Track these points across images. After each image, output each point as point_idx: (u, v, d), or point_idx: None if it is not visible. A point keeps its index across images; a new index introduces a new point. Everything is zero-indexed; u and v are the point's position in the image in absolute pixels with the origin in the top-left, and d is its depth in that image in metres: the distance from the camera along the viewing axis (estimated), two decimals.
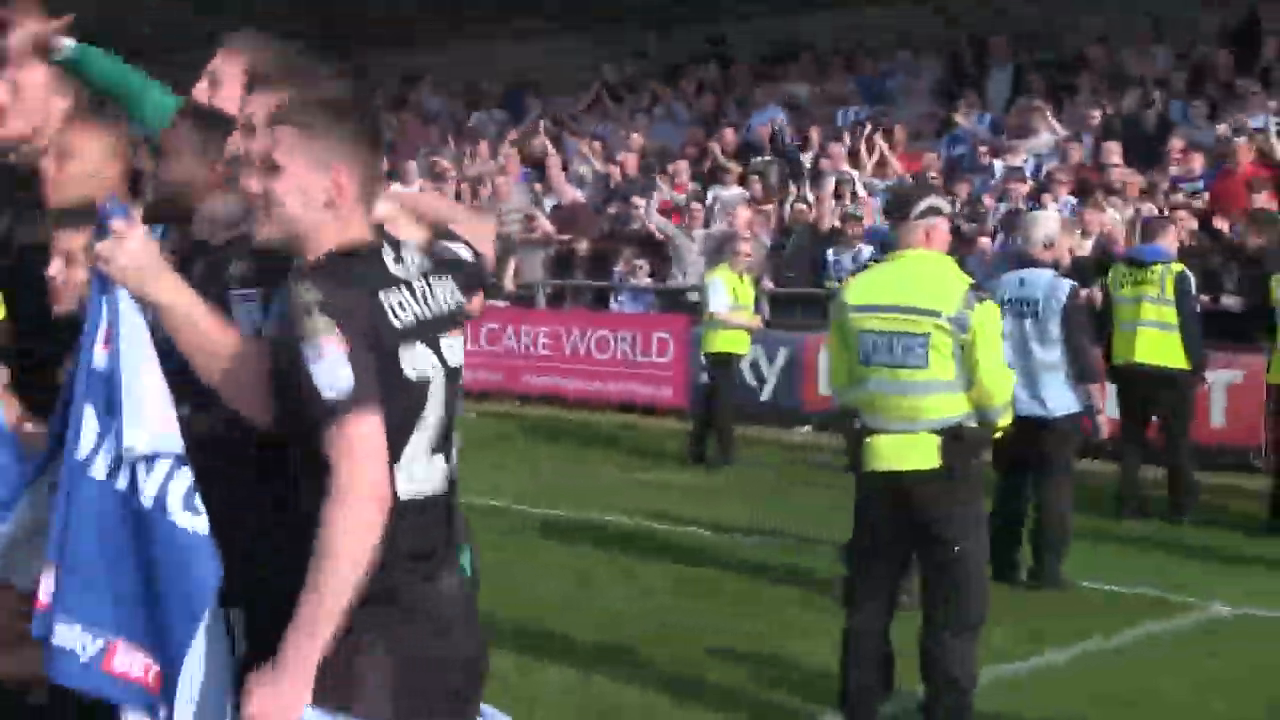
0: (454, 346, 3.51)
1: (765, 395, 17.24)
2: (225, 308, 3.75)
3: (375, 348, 3.23)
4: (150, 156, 4.59)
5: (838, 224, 17.95)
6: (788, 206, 19.31)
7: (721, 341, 15.27)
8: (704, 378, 15.69)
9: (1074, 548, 9.62)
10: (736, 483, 14.30)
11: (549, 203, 21.20)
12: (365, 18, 25.92)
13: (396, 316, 3.32)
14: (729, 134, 21.71)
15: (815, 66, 23.33)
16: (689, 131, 22.47)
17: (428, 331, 3.42)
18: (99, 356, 3.51)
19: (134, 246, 3.40)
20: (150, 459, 3.44)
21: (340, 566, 3.13)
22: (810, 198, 19.14)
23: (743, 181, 20.31)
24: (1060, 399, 9.34)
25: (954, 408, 6.37)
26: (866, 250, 17.05)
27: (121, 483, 3.45)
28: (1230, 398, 13.92)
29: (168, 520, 3.39)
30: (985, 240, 16.18)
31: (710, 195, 19.71)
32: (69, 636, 3.44)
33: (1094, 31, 21.09)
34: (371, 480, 3.16)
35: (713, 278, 15.56)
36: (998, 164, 18.30)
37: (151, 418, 3.43)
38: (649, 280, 19.20)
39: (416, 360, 3.36)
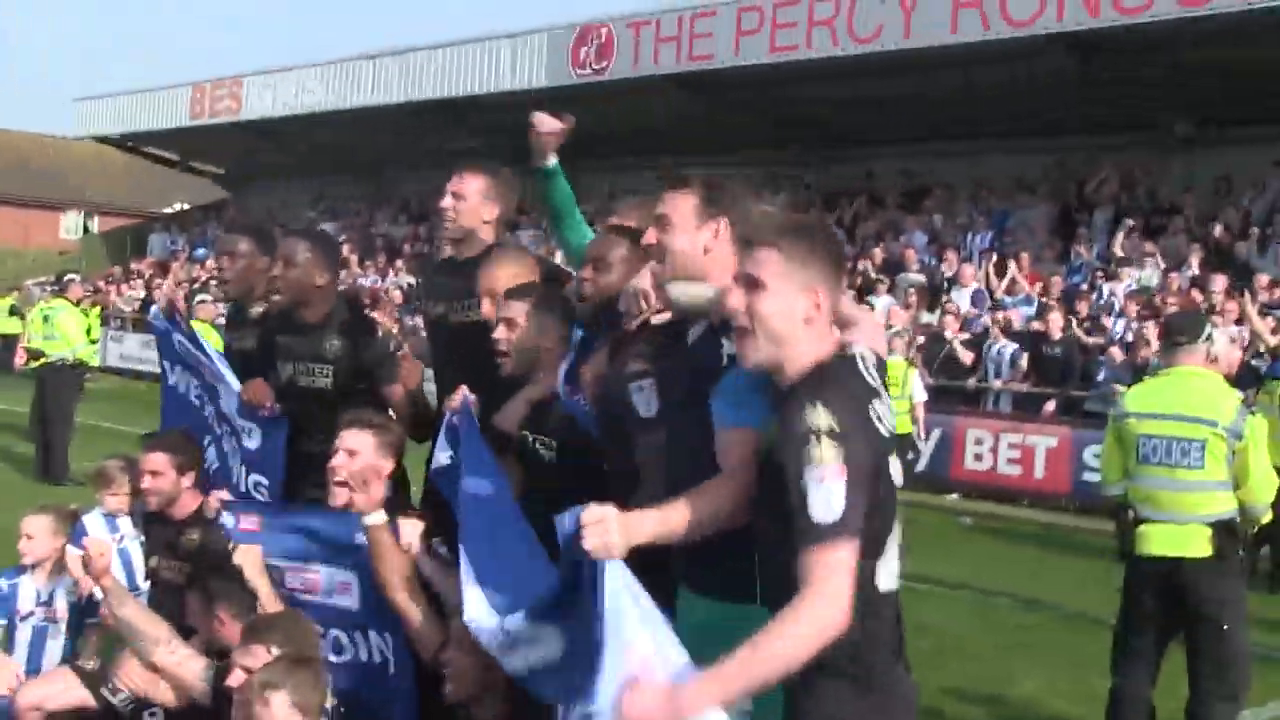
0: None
1: (920, 466, 16.85)
2: (626, 399, 3.77)
3: (871, 468, 3.04)
4: (580, 265, 4.68)
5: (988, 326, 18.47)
6: (933, 315, 19.45)
7: (896, 423, 15.67)
8: None
9: None
10: (905, 539, 14.56)
11: None
12: None
13: (882, 425, 3.15)
14: (878, 252, 21.95)
15: (947, 200, 23.43)
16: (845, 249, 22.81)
17: (894, 438, 3.23)
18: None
19: (611, 527, 3.24)
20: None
21: (775, 661, 2.96)
22: (951, 307, 19.24)
23: (889, 292, 20.36)
24: None
25: (1225, 504, 6.11)
26: (1011, 348, 17.71)
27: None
28: None
29: None
30: (1115, 350, 16.53)
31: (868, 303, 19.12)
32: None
33: (1182, 182, 21.33)
34: (836, 607, 2.95)
35: (902, 367, 15.23)
36: (1107, 287, 18.51)
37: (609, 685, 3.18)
38: None
39: (894, 466, 3.19)
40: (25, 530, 6.50)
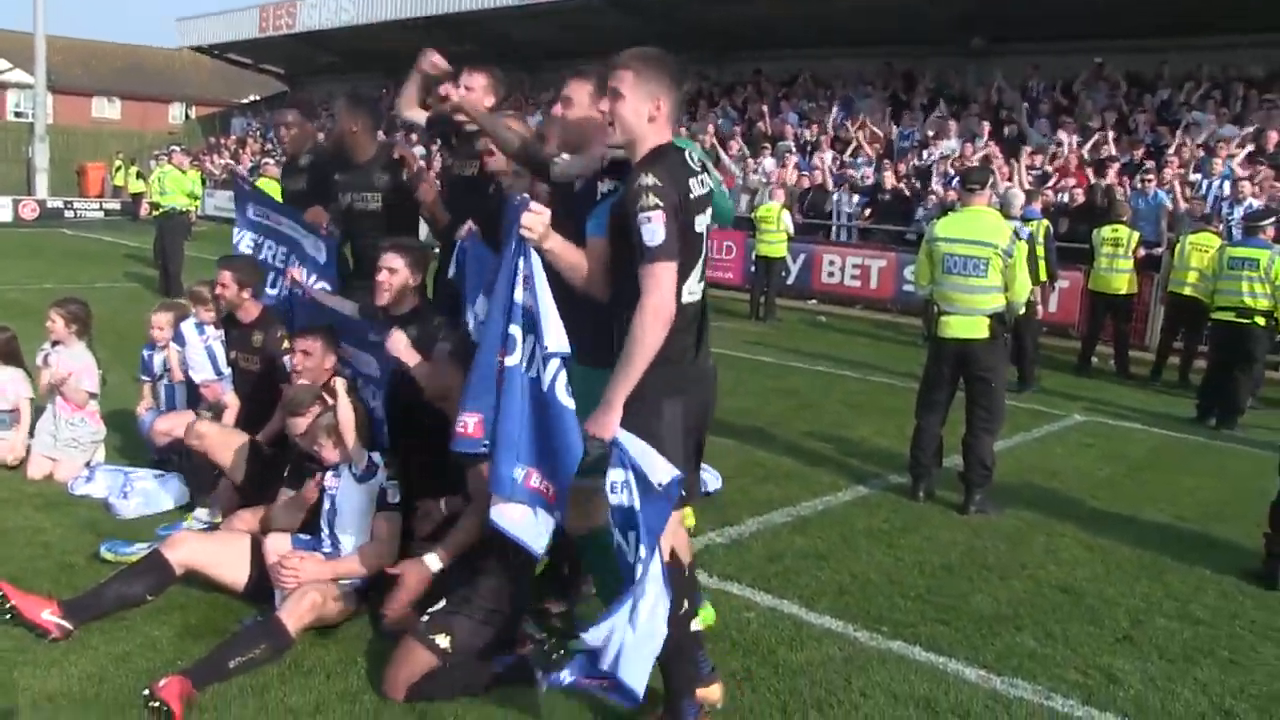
0: (707, 214, 3.36)
1: (790, 280, 16.97)
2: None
3: (681, 217, 3.13)
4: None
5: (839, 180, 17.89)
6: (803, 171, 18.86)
7: (773, 249, 15.24)
8: (753, 269, 15.45)
9: None
10: (778, 331, 14.28)
11: None
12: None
13: (694, 193, 3.22)
14: (761, 126, 21.30)
15: (812, 90, 22.90)
16: (737, 126, 21.90)
17: (704, 203, 3.30)
18: (519, 293, 3.32)
19: (544, 220, 3.32)
20: (550, 357, 3.26)
21: (641, 346, 3.11)
22: (817, 165, 18.77)
23: (772, 154, 19.69)
24: None
25: (998, 302, 6.20)
26: (857, 199, 17.24)
27: (533, 373, 3.32)
28: (1062, 295, 13.95)
29: (557, 400, 3.25)
30: (930, 196, 16.32)
31: (754, 163, 19.09)
32: (508, 464, 3.34)
33: (976, 80, 21.09)
34: (664, 302, 3.10)
35: (777, 209, 15.22)
36: (924, 153, 18.16)
37: (556, 331, 3.24)
38: None
39: (700, 221, 3.27)
40: (155, 323, 6.69)
